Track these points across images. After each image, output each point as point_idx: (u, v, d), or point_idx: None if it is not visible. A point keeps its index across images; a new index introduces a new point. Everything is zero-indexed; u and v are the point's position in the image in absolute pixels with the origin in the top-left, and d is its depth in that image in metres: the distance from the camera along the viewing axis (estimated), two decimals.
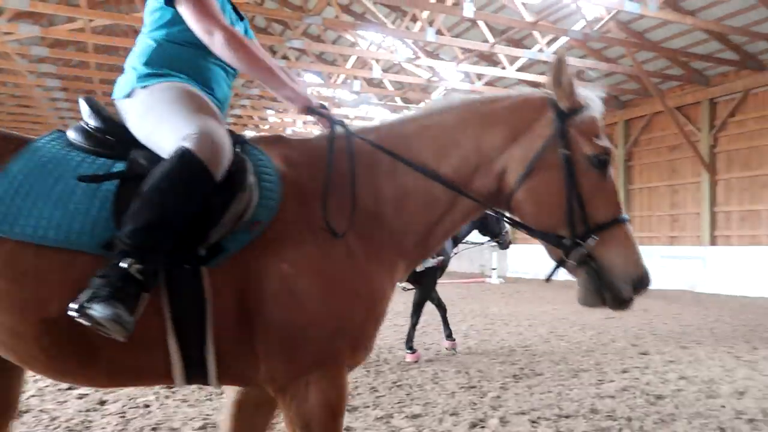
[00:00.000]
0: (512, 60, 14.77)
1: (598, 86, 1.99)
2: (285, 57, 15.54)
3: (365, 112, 19.99)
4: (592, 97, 1.93)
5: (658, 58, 14.97)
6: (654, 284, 1.88)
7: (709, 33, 13.29)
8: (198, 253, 1.67)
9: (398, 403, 4.22)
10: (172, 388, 4.38)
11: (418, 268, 5.62)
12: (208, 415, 3.84)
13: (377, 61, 16.03)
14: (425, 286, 6.09)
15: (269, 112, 21.86)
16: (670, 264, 13.97)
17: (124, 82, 1.98)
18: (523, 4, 12.07)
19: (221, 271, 1.68)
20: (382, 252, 1.88)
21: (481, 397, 4.38)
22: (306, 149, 2.00)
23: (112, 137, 1.87)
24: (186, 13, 1.92)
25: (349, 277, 1.79)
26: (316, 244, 1.77)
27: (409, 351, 5.80)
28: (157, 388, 4.41)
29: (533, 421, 3.81)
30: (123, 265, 1.57)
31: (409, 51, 15.56)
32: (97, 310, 1.51)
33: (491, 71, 15.20)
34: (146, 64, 1.95)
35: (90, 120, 1.90)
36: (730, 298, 12.07)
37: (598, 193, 1.85)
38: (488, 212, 2.17)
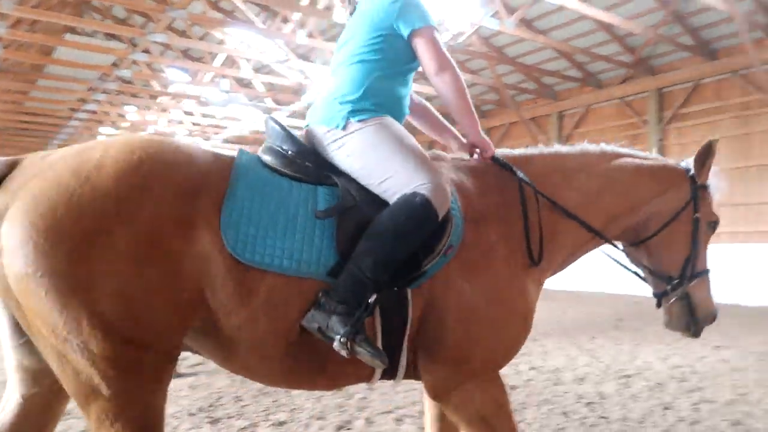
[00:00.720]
0: None
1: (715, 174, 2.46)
2: (147, 51, 14.63)
3: (234, 112, 19.41)
4: (715, 177, 2.43)
5: (515, 72, 16.16)
6: None
7: (558, 52, 14.59)
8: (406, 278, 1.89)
9: (264, 411, 4.13)
10: None
11: None
12: None
13: (248, 60, 15.64)
14: None
15: (128, 108, 20.40)
16: None
17: (332, 111, 2.05)
18: None
19: (418, 290, 1.91)
20: (536, 272, 2.13)
21: (348, 399, 4.42)
22: (471, 172, 2.22)
23: (309, 163, 1.99)
24: (424, 46, 2.09)
25: (514, 296, 2.03)
26: (489, 264, 2.00)
27: None
28: None
29: (398, 419, 3.92)
30: (370, 300, 1.79)
31: (281, 52, 15.34)
32: (364, 348, 1.73)
33: None
34: (362, 96, 2.04)
35: (284, 144, 2.00)
36: (571, 293, 13.29)
37: (704, 249, 2.41)
38: None
